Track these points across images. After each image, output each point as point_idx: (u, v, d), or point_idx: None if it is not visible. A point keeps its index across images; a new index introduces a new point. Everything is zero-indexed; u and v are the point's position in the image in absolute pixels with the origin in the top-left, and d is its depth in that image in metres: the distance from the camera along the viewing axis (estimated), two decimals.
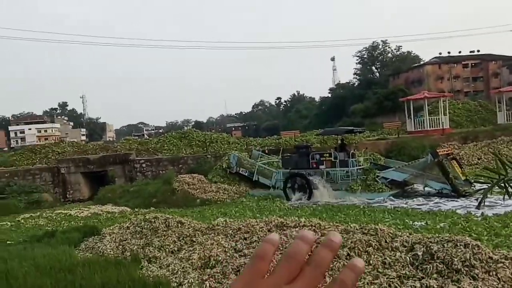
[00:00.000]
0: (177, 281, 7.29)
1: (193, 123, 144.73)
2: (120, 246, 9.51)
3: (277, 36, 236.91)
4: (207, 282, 7.01)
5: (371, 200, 17.09)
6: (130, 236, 9.87)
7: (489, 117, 35.00)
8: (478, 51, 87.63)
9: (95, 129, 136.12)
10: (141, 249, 9.06)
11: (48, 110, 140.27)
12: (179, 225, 9.91)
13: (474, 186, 17.00)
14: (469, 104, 38.32)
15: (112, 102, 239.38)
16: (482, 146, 25.53)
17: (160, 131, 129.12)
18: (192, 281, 7.13)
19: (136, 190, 22.32)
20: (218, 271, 7.29)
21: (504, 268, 5.98)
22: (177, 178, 21.82)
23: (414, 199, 16.83)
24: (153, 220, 10.12)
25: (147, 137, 54.12)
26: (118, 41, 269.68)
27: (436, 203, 15.64)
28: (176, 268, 7.70)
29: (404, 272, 6.33)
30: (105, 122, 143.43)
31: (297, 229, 8.30)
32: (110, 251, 9.27)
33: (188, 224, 9.89)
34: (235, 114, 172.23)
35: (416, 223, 11.44)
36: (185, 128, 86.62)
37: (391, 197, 17.36)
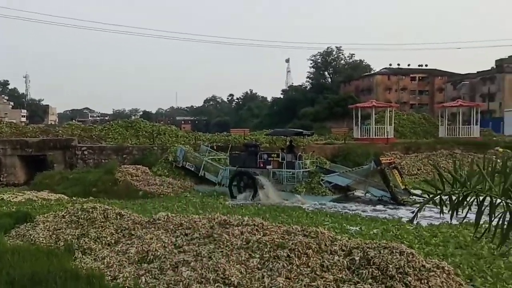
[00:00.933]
0: (111, 274, 7.04)
1: (141, 113, 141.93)
2: (54, 235, 9.08)
3: (234, 32, 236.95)
4: (143, 277, 6.82)
5: (315, 202, 17.34)
6: (65, 225, 9.44)
7: (431, 130, 36.57)
8: (426, 65, 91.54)
9: (37, 111, 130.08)
10: (76, 240, 8.69)
11: None
12: (118, 217, 9.59)
13: (412, 196, 17.71)
14: (414, 116, 39.84)
15: (57, 84, 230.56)
16: (422, 157, 26.59)
17: (106, 118, 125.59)
18: (128, 275, 6.91)
19: (76, 178, 21.48)
20: (156, 266, 7.11)
21: (436, 276, 6.19)
22: (120, 168, 21.23)
23: (355, 204, 17.26)
24: (91, 210, 9.73)
25: (92, 124, 52.34)
26: (71, 22, 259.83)
27: (375, 210, 16.08)
28: (112, 261, 7.44)
29: (340, 275, 6.43)
30: (48, 105, 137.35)
31: (240, 227, 8.25)
32: (43, 240, 8.83)
33: (128, 217, 9.60)
34: (186, 107, 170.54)
35: (351, 228, 11.72)
36: (133, 117, 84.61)
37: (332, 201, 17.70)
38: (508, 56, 78.61)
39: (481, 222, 2.26)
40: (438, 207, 2.08)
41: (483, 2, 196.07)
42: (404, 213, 15.23)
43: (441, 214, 2.04)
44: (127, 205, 15.96)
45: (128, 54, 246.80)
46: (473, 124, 33.96)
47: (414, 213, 2.15)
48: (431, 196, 1.97)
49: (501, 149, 26.80)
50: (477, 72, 78.55)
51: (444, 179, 1.99)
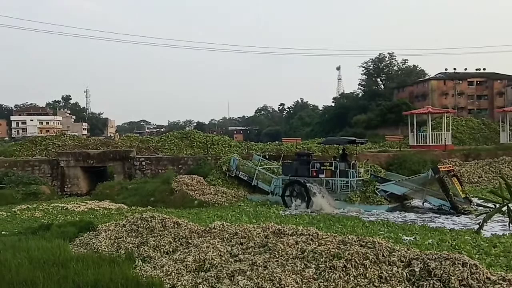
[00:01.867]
0: (170, 282, 7.22)
1: (195, 124, 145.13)
2: (115, 244, 9.44)
3: (285, 41, 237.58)
4: (200, 285, 6.94)
5: (369, 212, 16.98)
6: (125, 234, 9.80)
7: (492, 136, 34.92)
8: (484, 69, 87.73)
9: (97, 124, 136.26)
10: (136, 248, 8.99)
11: (51, 102, 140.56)
12: (176, 226, 9.84)
13: (474, 204, 16.95)
14: (473, 122, 38.23)
15: (116, 98, 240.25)
16: (483, 164, 25.44)
17: (162, 130, 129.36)
18: (186, 283, 7.07)
19: (135, 188, 22.25)
20: (213, 275, 7.22)
21: None
22: (176, 178, 21.74)
23: (413, 214, 16.75)
24: (149, 219, 10.06)
25: (148, 135, 54.08)
26: (127, 38, 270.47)
27: (434, 219, 15.52)
28: (170, 270, 7.63)
29: (400, 287, 6.26)
30: (107, 118, 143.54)
31: (294, 237, 8.24)
32: (105, 248, 9.20)
33: (185, 226, 9.82)
34: (238, 117, 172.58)
35: (405, 237, 11.39)
36: (187, 128, 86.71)
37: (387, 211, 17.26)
38: None
39: None
40: (506, 216, 2.00)
41: None
42: (464, 222, 14.64)
43: (510, 225, 1.96)
44: (183, 214, 16.33)
45: (182, 66, 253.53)
46: None
47: (481, 223, 2.08)
48: (498, 206, 1.90)
49: None
50: None
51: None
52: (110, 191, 22.82)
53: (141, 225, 9.93)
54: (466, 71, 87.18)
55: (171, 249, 8.85)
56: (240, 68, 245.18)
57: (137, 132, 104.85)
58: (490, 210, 2.10)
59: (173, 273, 7.50)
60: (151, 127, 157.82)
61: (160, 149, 30.87)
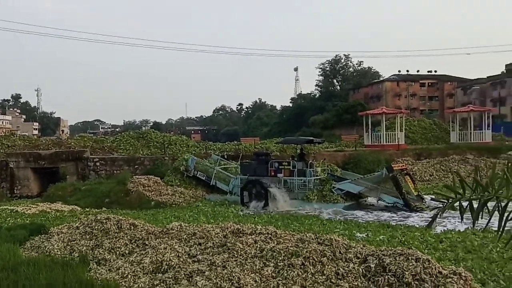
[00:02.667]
0: (126, 285, 7.06)
1: (151, 124, 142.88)
2: (68, 247, 9.13)
3: (243, 42, 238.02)
4: (158, 287, 6.83)
5: (327, 210, 17.25)
6: (79, 236, 9.50)
7: (443, 136, 36.28)
8: (435, 71, 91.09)
9: (49, 123, 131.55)
10: (91, 251, 8.74)
11: (0, 101, 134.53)
12: (132, 227, 9.63)
13: (425, 202, 17.56)
14: (424, 122, 39.58)
15: (68, 97, 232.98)
16: (434, 163, 26.39)
17: (117, 129, 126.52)
18: (143, 285, 6.93)
19: (88, 189, 21.62)
20: (170, 276, 7.11)
21: (452, 283, 6.12)
22: (132, 179, 21.31)
23: (368, 212, 17.14)
24: (104, 221, 9.79)
25: (103, 135, 52.77)
26: (80, 35, 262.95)
27: (387, 217, 15.93)
28: (126, 272, 7.46)
29: (356, 283, 6.38)
30: (59, 117, 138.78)
31: (253, 236, 8.24)
32: (57, 251, 8.88)
33: (142, 227, 9.63)
34: (196, 117, 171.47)
35: (358, 234, 11.68)
36: (143, 128, 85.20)
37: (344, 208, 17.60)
38: None
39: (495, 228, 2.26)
40: (457, 211, 2.07)
41: (492, 8, 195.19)
42: (415, 219, 15.10)
43: (462, 220, 2.02)
44: (139, 215, 16.02)
45: (137, 65, 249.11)
46: (484, 129, 33.65)
47: (432, 218, 2.15)
48: (451, 201, 1.96)
49: None
50: (487, 77, 77.94)
51: (465, 184, 1.98)
52: (63, 192, 22.06)
53: (96, 227, 9.65)
54: (418, 73, 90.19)
55: (127, 251, 8.65)
56: (198, 67, 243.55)
57: (91, 132, 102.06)
58: (443, 205, 2.20)
59: (129, 276, 7.34)
60: (106, 127, 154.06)
61: (115, 149, 30.17)
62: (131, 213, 16.84)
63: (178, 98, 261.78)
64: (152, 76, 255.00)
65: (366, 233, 11.92)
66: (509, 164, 1.97)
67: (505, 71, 77.22)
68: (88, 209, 18.23)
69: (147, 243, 8.81)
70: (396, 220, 15.03)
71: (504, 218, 1.88)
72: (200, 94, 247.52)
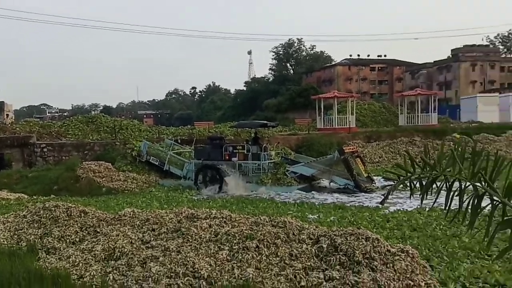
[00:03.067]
0: (78, 273, 6.89)
1: (101, 108, 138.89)
2: (15, 236, 8.79)
3: (195, 24, 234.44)
4: (110, 274, 6.71)
5: (281, 193, 17.46)
6: (27, 225, 9.15)
7: (392, 119, 37.47)
8: (385, 55, 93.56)
9: None
10: (39, 240, 8.44)
11: None
12: (82, 214, 9.36)
13: (375, 183, 18.14)
14: (374, 106, 40.68)
15: (12, 81, 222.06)
16: (384, 145, 27.25)
17: (65, 114, 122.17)
18: (95, 273, 6.78)
19: (36, 176, 20.83)
20: (123, 263, 7.00)
21: (400, 260, 6.37)
22: (81, 165, 20.70)
23: (321, 193, 17.51)
24: (53, 208, 9.46)
25: (50, 120, 50.80)
26: (23, 15, 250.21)
27: (340, 198, 16.34)
28: (78, 260, 7.28)
29: (309, 263, 6.52)
30: (3, 101, 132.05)
31: (207, 220, 8.22)
32: (4, 241, 8.53)
33: (92, 214, 9.39)
34: (148, 101, 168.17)
35: (310, 216, 11.95)
36: (93, 112, 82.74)
37: (300, 191, 17.89)
38: (463, 46, 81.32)
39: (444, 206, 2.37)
40: (408, 189, 2.15)
41: None
42: (365, 200, 15.57)
43: (411, 197, 2.11)
44: (90, 202, 15.64)
45: (86, 47, 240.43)
46: (431, 112, 35.01)
47: (385, 196, 2.24)
48: (402, 179, 2.03)
49: (458, 136, 27.79)
50: (434, 61, 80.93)
51: (415, 163, 2.05)
52: (8, 180, 21.13)
53: (44, 215, 9.32)
54: (368, 58, 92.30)
55: (77, 239, 8.43)
56: (150, 50, 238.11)
57: (37, 117, 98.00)
58: (394, 183, 2.30)
59: (80, 264, 7.17)
60: (53, 111, 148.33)
61: (63, 135, 29.10)
62: (81, 200, 16.41)
63: (129, 81, 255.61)
64: (102, 59, 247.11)
65: (318, 215, 12.21)
66: (455, 145, 2.05)
67: (450, 56, 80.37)
68: (35, 197, 17.59)
69: (98, 230, 8.61)
70: (348, 201, 15.44)
71: (450, 196, 1.96)
72: (152, 77, 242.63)
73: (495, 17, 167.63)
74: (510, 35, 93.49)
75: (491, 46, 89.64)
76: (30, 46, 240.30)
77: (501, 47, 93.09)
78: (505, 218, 1.76)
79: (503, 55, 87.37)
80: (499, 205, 1.80)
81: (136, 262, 6.93)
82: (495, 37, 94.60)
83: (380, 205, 13.46)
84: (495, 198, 1.80)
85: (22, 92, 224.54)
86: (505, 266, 7.09)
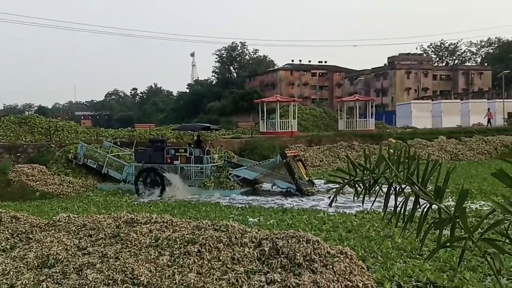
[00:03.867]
0: (8, 282, 6.51)
1: (36, 108, 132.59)
2: None
3: (137, 24, 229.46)
4: (44, 283, 6.39)
5: (225, 197, 17.41)
6: None
7: (332, 123, 38.47)
8: (326, 62, 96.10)
9: None
10: None
11: None
12: (14, 220, 8.87)
13: (316, 186, 18.52)
14: (315, 110, 41.60)
15: None
16: (324, 149, 27.91)
17: None
18: (27, 282, 6.44)
19: None
20: (58, 270, 6.69)
21: (339, 262, 6.53)
22: (14, 168, 19.64)
23: (263, 197, 17.63)
24: None
25: None
26: None
27: (282, 201, 16.51)
28: (8, 268, 6.87)
29: (251, 267, 6.54)
30: None
31: (148, 225, 8.04)
32: None
33: (25, 220, 8.91)
34: (86, 102, 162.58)
35: (250, 219, 12.05)
36: (26, 113, 78.81)
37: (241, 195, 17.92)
38: (399, 54, 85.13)
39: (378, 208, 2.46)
40: (350, 192, 2.22)
41: (377, 4, 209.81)
42: (305, 203, 15.85)
43: (356, 198, 2.19)
44: (22, 207, 14.88)
45: (20, 44, 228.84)
46: (368, 117, 36.32)
47: (332, 198, 2.30)
48: (345, 181, 2.10)
49: (393, 140, 29.01)
50: (372, 68, 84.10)
51: (356, 167, 2.12)
52: None
53: None
54: (310, 63, 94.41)
55: (8, 246, 7.96)
56: (88, 49, 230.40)
57: None
58: (339, 185, 2.39)
59: (11, 272, 6.77)
60: None
61: None
62: (13, 205, 15.58)
63: (65, 80, 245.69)
64: (36, 57, 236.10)
65: (258, 218, 12.30)
66: (391, 149, 2.14)
67: (387, 63, 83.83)
68: None
69: (31, 236, 8.19)
70: (289, 204, 15.64)
71: (388, 198, 2.05)
72: (90, 77, 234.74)
73: (429, 27, 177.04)
74: (441, 45, 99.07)
75: (424, 55, 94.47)
76: None
77: (433, 56, 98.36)
78: (435, 220, 1.85)
79: (436, 64, 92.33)
80: (431, 207, 1.89)
81: (72, 269, 6.65)
82: (428, 46, 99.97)
83: (329, 207, 13.79)
84: (426, 200, 1.89)
85: None
86: (435, 264, 7.47)
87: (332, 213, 12.78)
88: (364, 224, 10.85)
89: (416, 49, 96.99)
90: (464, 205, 1.78)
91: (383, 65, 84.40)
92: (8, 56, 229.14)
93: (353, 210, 12.90)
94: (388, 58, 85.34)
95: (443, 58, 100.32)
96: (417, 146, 28.11)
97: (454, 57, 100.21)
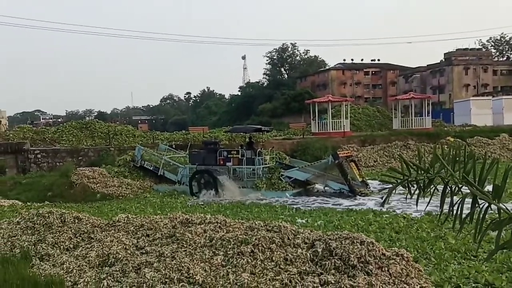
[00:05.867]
0: (72, 280, 6.85)
1: (96, 114, 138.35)
2: (9, 243, 8.72)
3: (189, 29, 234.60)
4: (105, 281, 6.67)
5: (276, 198, 17.44)
6: (20, 231, 9.09)
7: (386, 123, 37.57)
8: (379, 60, 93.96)
9: None
10: (33, 246, 8.38)
11: None
12: (76, 220, 9.32)
13: (369, 187, 18.16)
14: (368, 110, 40.78)
15: (6, 87, 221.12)
16: (378, 149, 27.30)
17: (59, 120, 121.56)
18: (89, 280, 6.74)
19: (30, 183, 20.71)
20: (117, 269, 6.96)
21: (395, 264, 6.38)
22: (76, 171, 20.60)
23: (316, 198, 17.51)
24: (47, 215, 9.41)
25: (44, 126, 50.55)
26: (16, 21, 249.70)
27: (334, 203, 16.33)
28: (71, 267, 7.23)
29: (304, 268, 6.51)
30: None
31: (202, 225, 8.21)
32: None
33: (86, 220, 9.34)
34: (142, 106, 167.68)
35: (299, 220, 11.98)
36: (87, 118, 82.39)
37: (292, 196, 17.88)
38: (456, 49, 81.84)
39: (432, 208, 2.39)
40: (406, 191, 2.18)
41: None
42: (357, 204, 15.58)
43: (410, 197, 2.14)
44: (84, 208, 15.58)
45: (80, 53, 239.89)
46: (425, 116, 35.14)
47: (384, 198, 2.26)
48: (398, 181, 2.06)
49: (451, 139, 27.90)
50: (427, 65, 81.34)
51: (410, 167, 2.07)
52: (2, 187, 21.00)
53: (38, 221, 9.27)
54: (362, 62, 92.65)
55: (71, 246, 8.38)
56: (144, 55, 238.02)
57: (31, 123, 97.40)
58: (392, 185, 2.34)
59: (74, 270, 7.12)
60: (47, 118, 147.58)
61: (57, 141, 29.02)
62: (75, 206, 16.34)
63: (123, 87, 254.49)
64: (96, 65, 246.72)
65: (306, 219, 12.23)
66: (445, 148, 2.07)
67: (443, 60, 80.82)
68: (29, 204, 17.49)
69: (92, 236, 8.57)
70: (343, 206, 15.44)
71: (444, 199, 1.99)
72: (146, 83, 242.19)
73: (487, 21, 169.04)
74: (502, 39, 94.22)
75: (483, 49, 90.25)
76: (24, 51, 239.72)
77: (493, 50, 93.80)
78: (494, 220, 1.78)
79: (496, 59, 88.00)
80: (489, 207, 1.82)
81: (131, 268, 6.90)
82: (487, 41, 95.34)
83: (381, 207, 13.54)
84: (484, 199, 1.82)
85: (16, 99, 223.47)
86: (492, 266, 7.16)
87: (379, 214, 12.51)
88: (411, 226, 10.58)
89: (475, 44, 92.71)
90: None
91: (439, 62, 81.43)
92: (69, 64, 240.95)
93: (410, 210, 12.53)
94: (445, 54, 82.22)
95: (504, 52, 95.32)
96: (477, 145, 26.92)
97: None
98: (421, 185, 2.00)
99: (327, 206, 15.10)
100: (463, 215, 1.86)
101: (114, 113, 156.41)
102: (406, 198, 2.16)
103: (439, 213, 2.08)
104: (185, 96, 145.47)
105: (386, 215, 12.24)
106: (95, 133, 30.09)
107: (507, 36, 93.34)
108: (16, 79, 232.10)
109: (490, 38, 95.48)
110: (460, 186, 1.92)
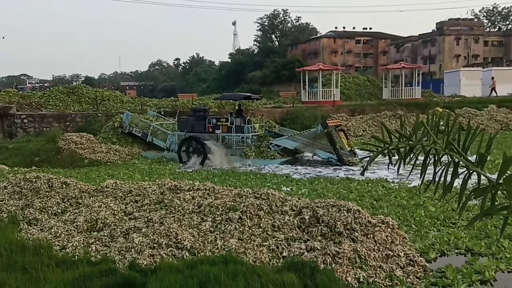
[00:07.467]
0: (60, 244, 6.89)
1: (83, 79, 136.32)
2: None
3: None
4: (93, 245, 6.73)
5: (264, 166, 17.52)
6: (7, 196, 9.07)
7: (376, 92, 37.57)
8: (370, 28, 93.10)
9: None
10: (20, 211, 8.39)
11: None
12: (64, 186, 9.31)
13: (358, 156, 18.30)
14: (359, 79, 40.67)
15: None
16: (367, 119, 27.40)
17: (46, 85, 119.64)
18: (77, 244, 6.79)
19: (16, 148, 20.51)
20: (106, 234, 7.02)
21: (381, 231, 6.51)
22: (63, 136, 20.43)
23: (304, 166, 17.62)
24: (34, 180, 9.39)
25: (31, 91, 49.75)
26: None
27: (321, 171, 16.46)
28: (60, 231, 7.27)
29: (291, 234, 6.62)
30: None
31: (191, 192, 8.25)
32: None
33: (74, 185, 9.34)
34: (130, 72, 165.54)
35: (284, 188, 12.10)
36: (74, 83, 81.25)
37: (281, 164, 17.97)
38: (448, 19, 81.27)
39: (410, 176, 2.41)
40: (387, 157, 2.17)
41: None
42: (345, 172, 15.72)
43: (391, 165, 2.13)
44: (71, 173, 15.54)
45: (66, 16, 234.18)
46: (415, 86, 35.19)
47: (364, 166, 2.24)
48: (379, 149, 2.04)
49: (440, 109, 28.02)
50: (419, 35, 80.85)
51: (391, 135, 2.06)
52: None
53: (25, 186, 9.25)
54: (354, 30, 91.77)
55: (59, 210, 8.40)
56: (132, 20, 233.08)
57: (17, 87, 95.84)
58: (373, 154, 2.33)
59: (62, 235, 7.16)
60: (34, 82, 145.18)
61: (44, 106, 28.60)
62: (63, 171, 16.28)
63: (110, 51, 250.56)
64: (82, 28, 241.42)
65: (291, 187, 12.34)
66: (432, 117, 2.07)
67: (435, 29, 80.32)
68: (16, 168, 17.38)
69: (80, 201, 8.59)
70: (329, 174, 15.57)
71: (426, 166, 1.99)
72: (134, 48, 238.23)
73: None
74: (494, 9, 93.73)
75: (475, 20, 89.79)
76: (9, 15, 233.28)
77: (485, 21, 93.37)
78: (476, 188, 1.80)
79: (487, 29, 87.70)
80: (471, 175, 1.83)
81: (119, 233, 6.95)
82: (480, 11, 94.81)
83: (361, 176, 13.65)
84: (467, 166, 1.83)
85: (1, 62, 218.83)
86: (470, 233, 7.34)
87: (360, 182, 12.73)
88: (389, 194, 10.80)
89: (467, 13, 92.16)
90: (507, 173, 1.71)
91: (431, 31, 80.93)
92: (56, 27, 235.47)
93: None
94: (437, 23, 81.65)
95: (496, 23, 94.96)
96: (466, 116, 27.10)
97: (507, 22, 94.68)
98: (402, 153, 2.00)
99: (315, 175, 15.21)
100: (445, 183, 1.88)
101: (102, 78, 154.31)
102: (388, 165, 2.16)
103: (420, 181, 2.09)
104: (174, 62, 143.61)
105: (368, 184, 12.38)
106: (83, 99, 29.70)
107: (500, 6, 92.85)
108: (1, 42, 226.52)
109: (483, 8, 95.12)
110: (442, 154, 1.93)
